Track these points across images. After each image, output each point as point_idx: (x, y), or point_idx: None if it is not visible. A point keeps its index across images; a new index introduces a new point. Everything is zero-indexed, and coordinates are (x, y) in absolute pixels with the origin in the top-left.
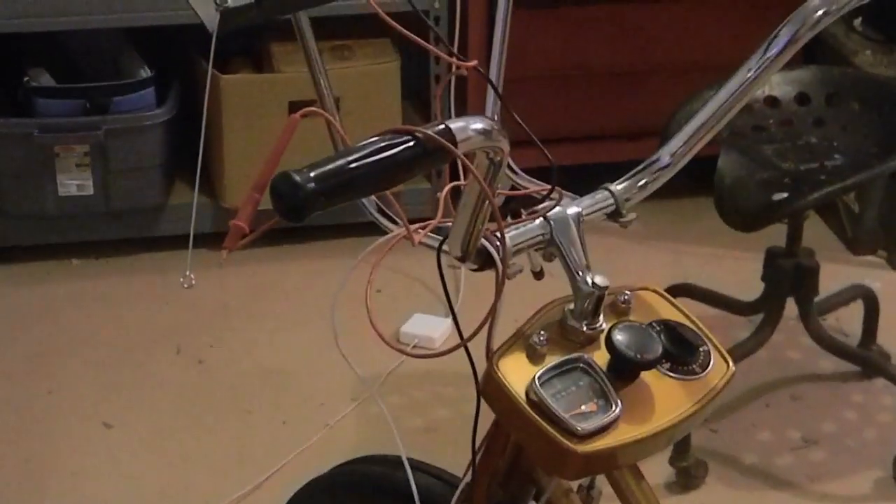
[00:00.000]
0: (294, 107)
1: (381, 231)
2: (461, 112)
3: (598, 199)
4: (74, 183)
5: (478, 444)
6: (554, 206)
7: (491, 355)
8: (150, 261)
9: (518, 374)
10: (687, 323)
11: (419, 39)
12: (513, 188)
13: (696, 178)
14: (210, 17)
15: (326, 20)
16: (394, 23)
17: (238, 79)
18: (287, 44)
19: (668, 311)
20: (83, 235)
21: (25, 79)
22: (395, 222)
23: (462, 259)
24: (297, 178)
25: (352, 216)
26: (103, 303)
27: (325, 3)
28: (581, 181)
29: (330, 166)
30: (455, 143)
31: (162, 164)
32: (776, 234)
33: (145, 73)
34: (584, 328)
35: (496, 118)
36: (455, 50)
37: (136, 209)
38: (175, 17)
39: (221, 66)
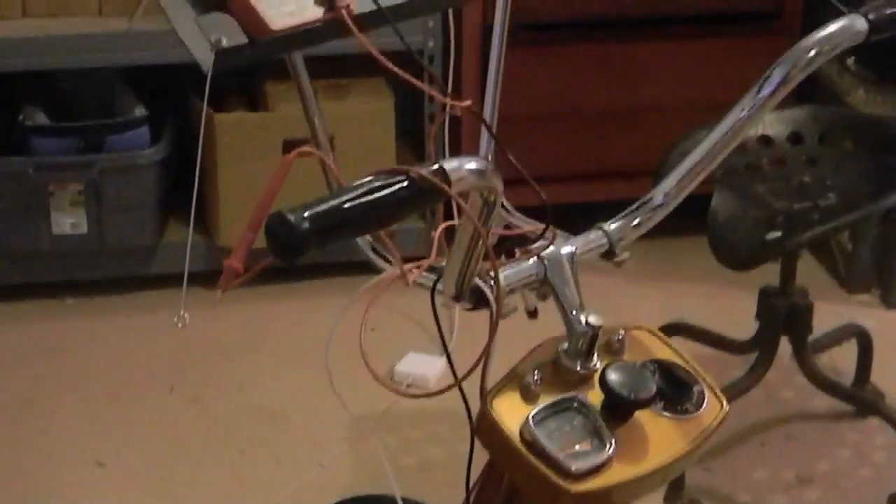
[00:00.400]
0: (288, 145)
1: (376, 269)
2: (455, 150)
3: (592, 239)
4: (68, 221)
5: (472, 483)
6: (548, 246)
7: (485, 395)
8: (144, 299)
9: (512, 413)
10: (681, 362)
11: (414, 79)
12: (506, 227)
13: (690, 216)
14: (205, 57)
15: (320, 59)
16: (388, 62)
17: (232, 117)
18: (281, 82)
19: (661, 350)
20: (77, 274)
21: (20, 117)
22: (389, 261)
23: (456, 299)
24: (291, 218)
25: (346, 255)
26: (97, 342)
27: (320, 43)
28: (575, 220)
29: (324, 206)
30: (449, 184)
31: (156, 203)
32: (770, 271)
33: (140, 112)
34: (578, 368)
35: (490, 157)
36: (449, 89)
37: (129, 247)
38: (169, 56)
39: (216, 104)
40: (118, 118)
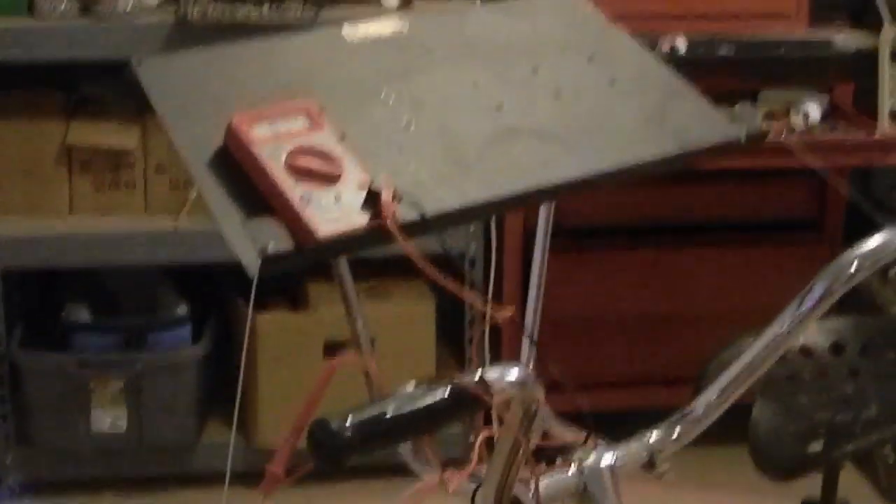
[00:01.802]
0: (330, 347)
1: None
2: (496, 354)
3: (633, 450)
4: (108, 418)
5: None
6: (588, 455)
7: None
8: (183, 498)
9: None
10: None
11: (455, 288)
12: (546, 432)
13: (730, 425)
14: (251, 262)
15: (363, 261)
16: (432, 269)
17: (274, 317)
18: (323, 283)
19: None
20: (115, 471)
21: (63, 313)
22: (429, 467)
23: None
24: (334, 426)
25: (385, 457)
26: None
27: (364, 249)
28: (616, 425)
29: (367, 415)
30: (491, 394)
31: (196, 401)
32: (812, 481)
33: (182, 310)
34: None
35: (531, 363)
36: (490, 292)
37: (168, 446)
38: (213, 255)
39: (257, 302)
40: (160, 315)
